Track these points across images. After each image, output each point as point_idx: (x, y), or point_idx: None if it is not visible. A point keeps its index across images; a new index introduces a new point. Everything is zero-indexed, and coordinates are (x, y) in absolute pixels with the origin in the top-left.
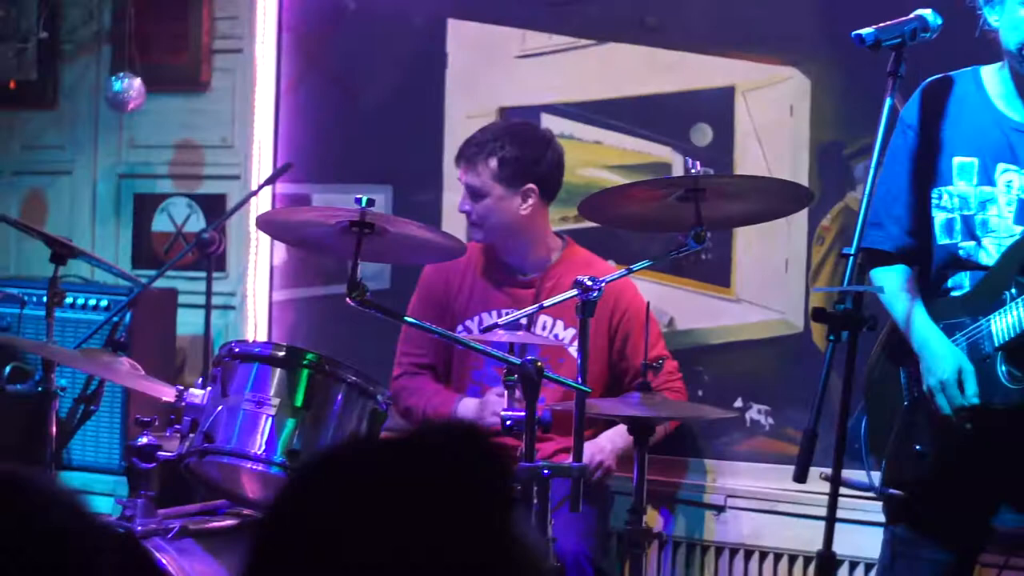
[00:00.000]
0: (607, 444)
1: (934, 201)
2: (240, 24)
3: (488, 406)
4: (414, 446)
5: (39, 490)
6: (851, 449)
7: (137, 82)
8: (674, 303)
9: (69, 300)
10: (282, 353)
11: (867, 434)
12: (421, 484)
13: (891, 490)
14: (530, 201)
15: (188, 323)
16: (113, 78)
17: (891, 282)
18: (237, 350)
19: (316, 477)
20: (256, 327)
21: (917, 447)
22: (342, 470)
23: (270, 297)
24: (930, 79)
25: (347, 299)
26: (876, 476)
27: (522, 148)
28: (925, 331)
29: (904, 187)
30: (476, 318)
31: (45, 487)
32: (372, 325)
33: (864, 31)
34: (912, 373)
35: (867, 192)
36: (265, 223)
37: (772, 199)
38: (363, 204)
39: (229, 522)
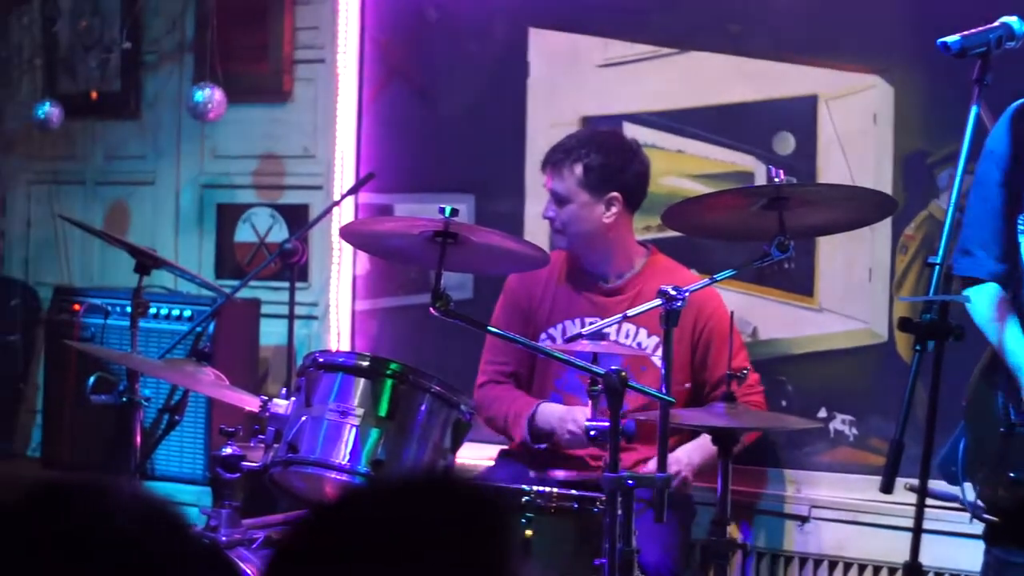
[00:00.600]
0: (684, 457)
1: (1020, 227)
2: (322, 34)
3: (570, 415)
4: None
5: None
6: (948, 472)
7: (219, 92)
8: (757, 313)
9: (153, 310)
10: (366, 363)
11: (964, 458)
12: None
13: (987, 516)
14: (614, 209)
15: (271, 333)
16: (195, 88)
17: (983, 304)
18: (321, 360)
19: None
20: (339, 337)
21: (1012, 474)
22: (351, 512)
23: (353, 307)
24: (1018, 104)
25: (431, 309)
26: (971, 494)
27: (608, 156)
28: (1020, 354)
29: (991, 214)
30: (559, 326)
31: (137, 497)
32: (454, 335)
33: (949, 39)
34: (1009, 397)
35: (952, 201)
36: (349, 233)
37: (855, 208)
38: (447, 214)
39: None
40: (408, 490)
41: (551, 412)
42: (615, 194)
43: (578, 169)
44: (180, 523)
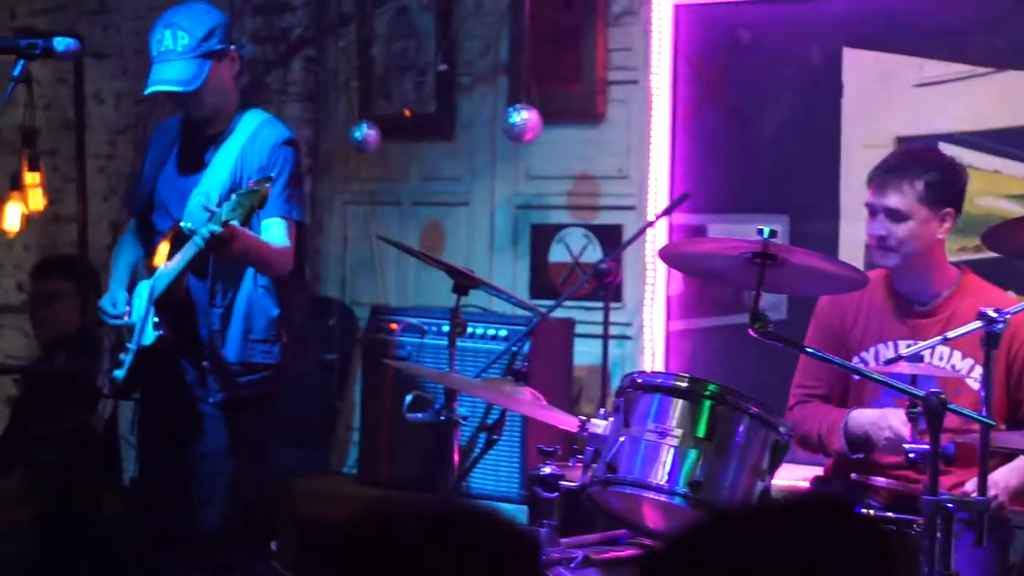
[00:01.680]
0: (1001, 480)
1: None
2: (635, 56)
3: (884, 419)
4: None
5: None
6: None
7: (534, 114)
8: None
9: (469, 330)
10: (684, 384)
11: None
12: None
13: None
14: (946, 225)
15: (585, 353)
16: (510, 109)
17: None
18: (639, 381)
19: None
20: (653, 357)
21: None
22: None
23: (667, 327)
24: None
25: (749, 330)
26: None
27: (944, 172)
28: None
29: None
30: (872, 349)
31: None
32: (767, 357)
33: None
34: None
35: None
36: (667, 255)
37: None
38: (765, 235)
39: (630, 552)
40: (797, 518)
41: (864, 417)
42: (949, 210)
43: (919, 185)
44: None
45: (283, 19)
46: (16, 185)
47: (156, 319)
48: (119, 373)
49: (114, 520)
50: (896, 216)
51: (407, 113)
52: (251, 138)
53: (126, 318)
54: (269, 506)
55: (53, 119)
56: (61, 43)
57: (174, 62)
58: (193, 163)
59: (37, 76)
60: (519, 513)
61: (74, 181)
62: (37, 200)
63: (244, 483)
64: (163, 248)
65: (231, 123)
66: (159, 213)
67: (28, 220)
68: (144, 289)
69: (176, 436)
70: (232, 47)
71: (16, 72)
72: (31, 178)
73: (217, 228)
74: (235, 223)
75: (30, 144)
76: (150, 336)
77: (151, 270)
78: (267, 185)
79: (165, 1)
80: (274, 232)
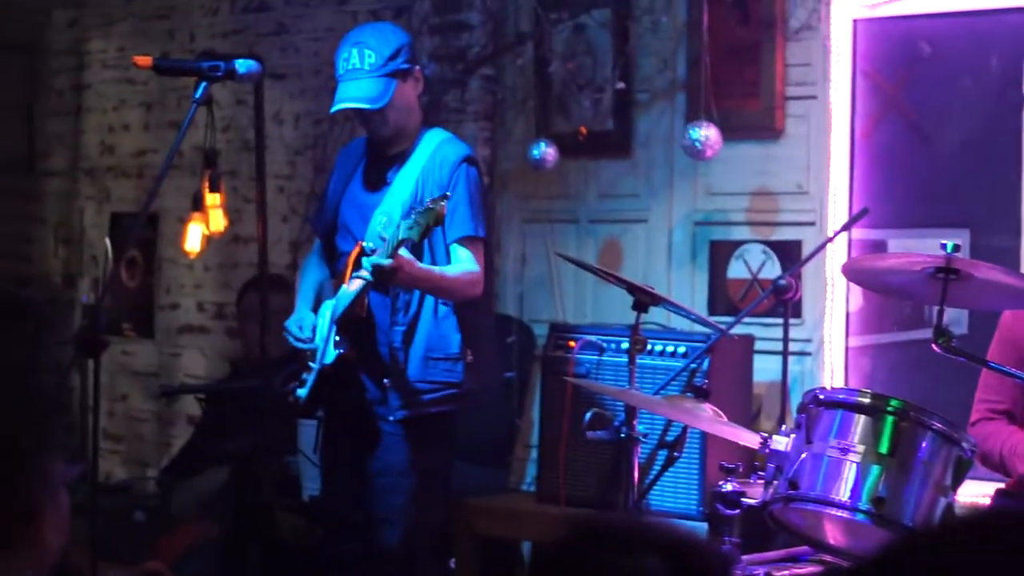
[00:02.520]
0: None
1: None
2: (813, 71)
3: None
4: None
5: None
6: None
7: (713, 130)
8: None
9: (648, 346)
10: (866, 400)
11: None
12: None
13: None
14: None
15: (764, 369)
16: (689, 126)
17: None
18: (821, 397)
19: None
20: (832, 373)
21: None
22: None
23: (846, 343)
24: None
25: (933, 345)
26: None
27: None
28: None
29: None
30: None
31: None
32: (947, 372)
33: None
34: None
35: None
36: (849, 270)
37: None
38: (949, 249)
39: (811, 569)
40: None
41: None
42: None
43: None
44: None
45: (460, 38)
46: (197, 206)
47: (337, 338)
48: (302, 392)
49: (295, 538)
50: None
51: (583, 131)
52: (432, 157)
53: (310, 341)
54: (448, 524)
55: (233, 140)
56: (243, 65)
57: (361, 80)
58: (376, 183)
59: (217, 98)
60: (698, 530)
61: (254, 201)
62: (218, 221)
63: (423, 501)
64: (347, 268)
65: (413, 142)
66: (342, 234)
67: (208, 241)
68: (327, 309)
69: (358, 454)
70: (417, 67)
71: (198, 94)
72: (212, 199)
73: (383, 261)
74: (413, 239)
75: (211, 165)
76: (331, 355)
77: (335, 290)
78: (443, 203)
79: (344, 22)
80: (462, 256)
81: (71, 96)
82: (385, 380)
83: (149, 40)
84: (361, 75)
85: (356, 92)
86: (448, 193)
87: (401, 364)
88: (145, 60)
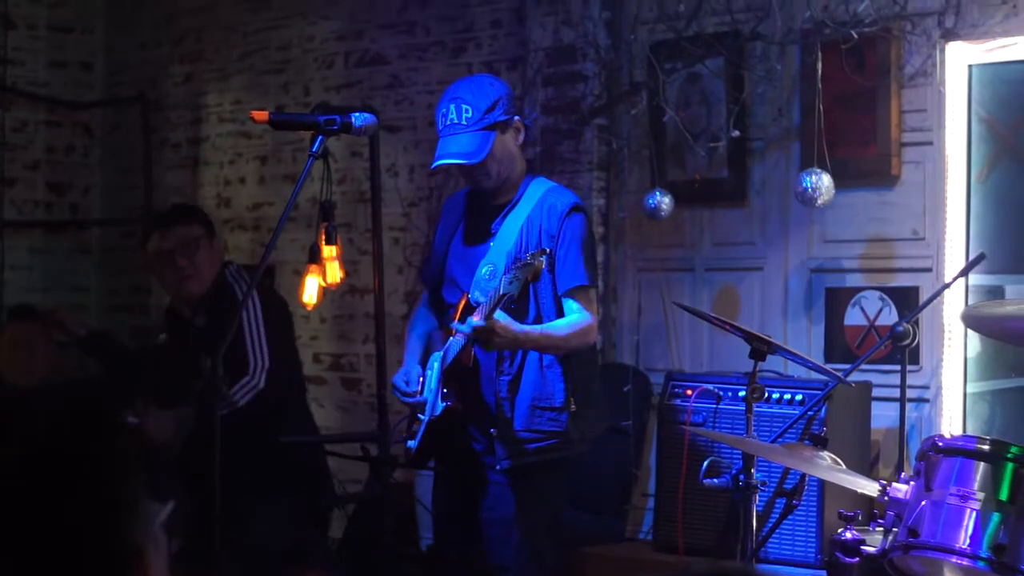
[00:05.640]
0: None
1: None
2: (929, 116)
3: None
4: None
5: None
6: None
7: (826, 178)
8: None
9: (765, 394)
10: (986, 446)
11: None
12: None
13: None
14: None
15: (882, 416)
16: (803, 174)
17: None
18: (940, 444)
19: None
20: (951, 420)
21: None
22: None
23: (964, 389)
24: None
25: None
26: None
27: None
28: None
29: None
30: None
31: None
32: None
33: None
34: None
35: None
36: (968, 317)
37: None
38: None
39: None
40: None
41: None
42: None
43: None
44: None
45: (575, 89)
46: (314, 258)
47: (445, 390)
48: (412, 443)
49: None
50: None
51: (697, 179)
52: (537, 206)
53: (418, 396)
54: (566, 573)
55: (348, 192)
56: (359, 118)
57: (459, 135)
58: (480, 234)
59: (332, 150)
60: None
61: (369, 253)
62: (334, 273)
63: (535, 550)
64: (455, 319)
65: (517, 192)
66: (448, 285)
67: (324, 292)
68: (436, 361)
69: (468, 504)
70: (516, 117)
71: (314, 148)
72: (328, 251)
73: (480, 323)
74: (512, 294)
75: (327, 218)
76: (439, 408)
77: (443, 342)
78: (541, 258)
79: (457, 75)
80: (573, 307)
81: (188, 149)
82: (492, 430)
83: (264, 93)
84: (459, 130)
85: (454, 148)
86: (546, 248)
87: (507, 414)
88: (262, 115)
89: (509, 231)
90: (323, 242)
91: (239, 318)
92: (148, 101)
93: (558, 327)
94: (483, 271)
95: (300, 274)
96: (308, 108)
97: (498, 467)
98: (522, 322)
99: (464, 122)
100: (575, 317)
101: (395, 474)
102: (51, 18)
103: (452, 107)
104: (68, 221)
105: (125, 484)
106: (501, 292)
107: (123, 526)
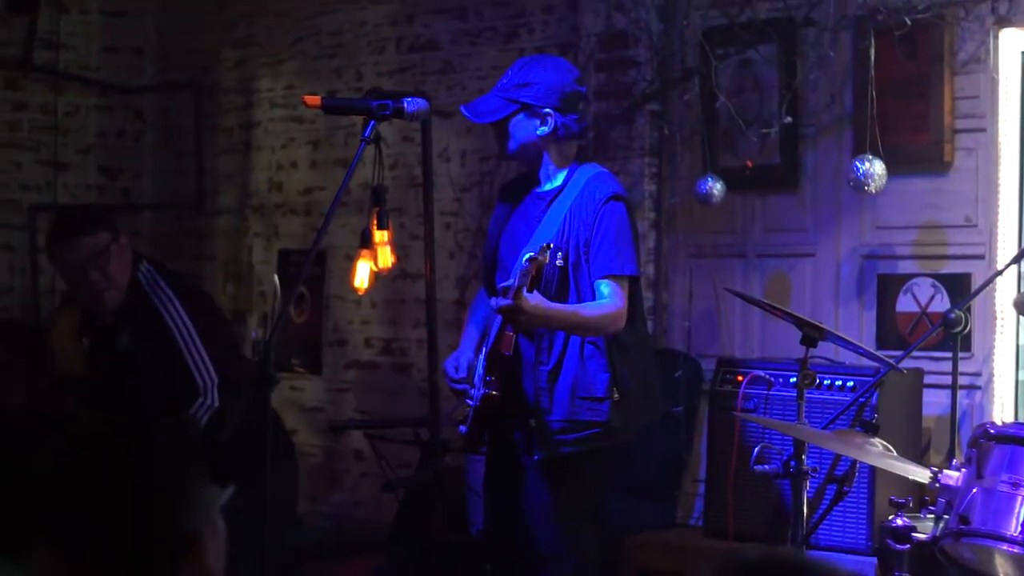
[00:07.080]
0: None
1: None
2: (982, 103)
3: None
4: None
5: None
6: None
7: (879, 164)
8: None
9: (816, 381)
10: None
11: None
12: None
13: None
14: None
15: (933, 403)
16: (855, 160)
17: None
18: (992, 431)
19: None
20: (1003, 407)
21: None
22: None
23: (1016, 376)
24: None
25: None
26: None
27: None
28: None
29: None
30: None
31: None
32: None
33: None
34: None
35: None
36: (1020, 303)
37: None
38: None
39: None
40: None
41: None
42: None
43: None
44: None
45: (627, 75)
46: (366, 243)
47: (489, 378)
48: (463, 428)
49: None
50: None
51: (749, 164)
52: (581, 193)
53: (464, 382)
54: (616, 559)
55: (399, 177)
56: (411, 104)
57: (488, 95)
58: (528, 220)
59: (384, 135)
60: (867, 566)
61: (421, 238)
62: (386, 258)
63: (577, 538)
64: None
65: (565, 179)
66: (500, 271)
67: (376, 277)
68: (486, 347)
69: (511, 492)
70: (551, 112)
71: (367, 132)
72: (380, 236)
73: (507, 302)
74: (524, 285)
75: (379, 203)
76: (479, 394)
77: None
78: (546, 253)
79: (509, 59)
80: (605, 292)
81: (240, 134)
82: (530, 420)
83: (316, 78)
84: (492, 91)
85: (476, 103)
86: (550, 243)
87: (545, 404)
88: (314, 99)
89: (553, 218)
90: (375, 227)
91: (171, 338)
92: (200, 86)
93: (588, 307)
94: (524, 257)
95: (352, 259)
96: (360, 93)
97: (536, 457)
98: None
99: (498, 85)
100: (605, 301)
101: (446, 459)
102: (103, 3)
103: (508, 70)
104: (120, 205)
105: (179, 472)
106: (516, 284)
107: (180, 512)
